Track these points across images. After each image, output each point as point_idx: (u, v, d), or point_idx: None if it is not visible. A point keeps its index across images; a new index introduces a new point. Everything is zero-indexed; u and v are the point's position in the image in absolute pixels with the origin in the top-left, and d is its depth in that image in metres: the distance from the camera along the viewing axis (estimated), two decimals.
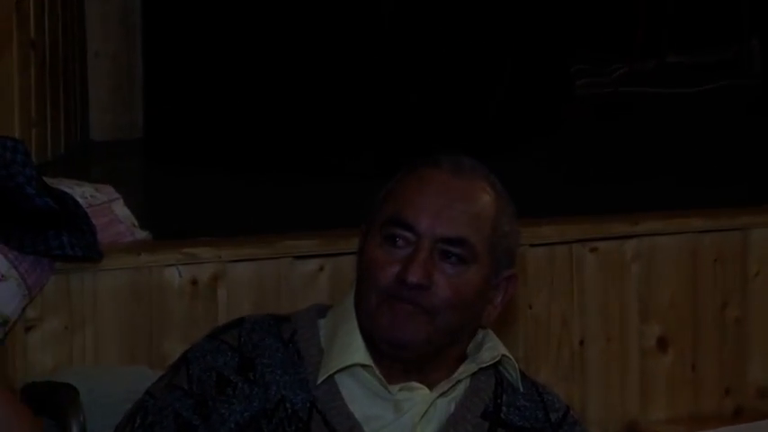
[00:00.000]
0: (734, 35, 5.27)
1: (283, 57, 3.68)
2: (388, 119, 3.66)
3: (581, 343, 2.93)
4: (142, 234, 2.77)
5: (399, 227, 1.97)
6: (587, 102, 4.68)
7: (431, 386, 1.99)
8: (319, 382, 1.97)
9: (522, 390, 2.06)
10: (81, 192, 2.71)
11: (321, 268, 2.76)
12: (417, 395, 1.98)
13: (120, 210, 2.77)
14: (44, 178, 2.62)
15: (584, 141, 4.21)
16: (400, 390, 1.98)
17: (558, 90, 4.44)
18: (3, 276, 2.47)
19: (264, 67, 3.70)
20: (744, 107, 4.68)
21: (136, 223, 2.78)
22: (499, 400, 2.04)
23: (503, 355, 2.04)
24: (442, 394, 2.00)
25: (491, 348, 2.03)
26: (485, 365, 2.02)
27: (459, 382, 2.01)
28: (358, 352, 1.97)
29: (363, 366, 1.98)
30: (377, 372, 1.97)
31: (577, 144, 4.17)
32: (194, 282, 2.68)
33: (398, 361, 1.98)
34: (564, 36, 4.50)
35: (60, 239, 2.52)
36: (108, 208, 2.75)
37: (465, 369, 2.01)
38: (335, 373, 1.97)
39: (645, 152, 4.03)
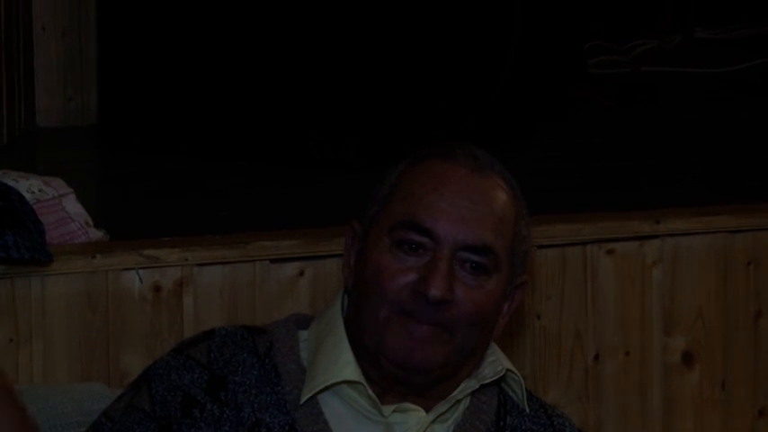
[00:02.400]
0: None
1: (257, 33, 3.68)
2: (375, 104, 3.67)
3: (596, 358, 2.94)
4: (97, 234, 2.78)
5: (414, 231, 1.94)
6: (603, 82, 4.68)
7: (428, 407, 1.99)
8: (302, 401, 1.96)
9: (528, 411, 2.06)
10: (27, 185, 2.72)
11: (301, 273, 2.76)
12: (412, 418, 1.98)
13: (72, 206, 2.78)
14: None
15: (599, 128, 4.22)
16: (394, 411, 1.97)
17: (569, 70, 4.45)
18: None
19: (234, 43, 3.70)
20: None
21: (90, 221, 2.79)
22: (502, 423, 2.04)
23: (507, 370, 2.04)
24: (440, 416, 2.00)
25: (494, 363, 2.03)
26: (486, 382, 2.02)
27: (458, 402, 2.01)
28: (346, 368, 1.96)
29: (350, 384, 1.98)
30: (369, 391, 1.97)
31: (592, 131, 4.18)
32: (157, 288, 2.69)
33: (403, 383, 1.97)
34: (576, 8, 4.51)
35: (3, 239, 2.53)
36: (58, 204, 2.76)
37: (464, 387, 2.00)
38: (320, 392, 1.97)
39: (669, 141, 4.05)
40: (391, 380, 1.97)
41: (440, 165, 1.98)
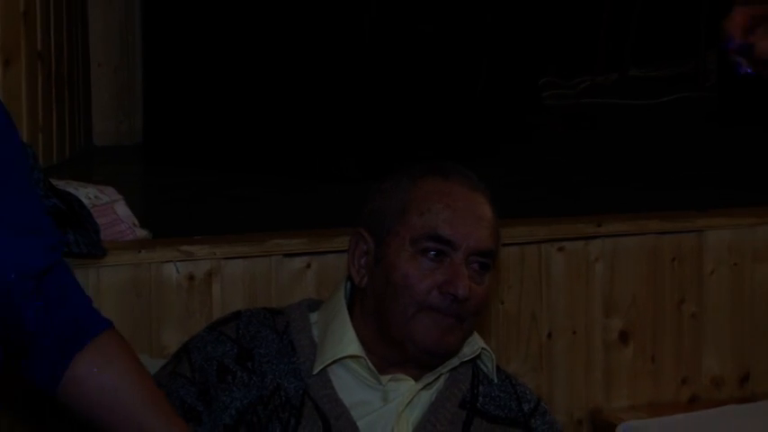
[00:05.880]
0: (691, 50, 5.28)
1: (272, 68, 3.67)
2: (368, 127, 3.66)
3: (549, 336, 2.93)
4: (142, 233, 2.77)
5: (436, 241, 1.95)
6: (554, 112, 4.68)
7: (415, 377, 1.99)
8: (314, 372, 1.96)
9: (496, 381, 2.07)
10: (85, 193, 2.70)
11: (308, 265, 2.75)
12: (404, 386, 1.99)
13: (122, 210, 2.76)
14: (51, 180, 2.61)
15: (551, 148, 4.21)
16: (389, 380, 1.98)
17: (526, 101, 4.45)
18: None
19: (255, 77, 3.70)
20: (700, 118, 4.69)
21: (136, 222, 2.77)
22: (476, 391, 2.04)
23: (482, 349, 2.04)
24: (426, 385, 2.00)
25: (471, 343, 2.03)
26: (466, 359, 2.03)
27: (441, 374, 2.02)
28: (351, 345, 1.97)
29: (353, 358, 1.98)
30: (369, 364, 1.97)
31: (545, 151, 4.17)
32: (191, 277, 2.68)
33: (417, 362, 1.97)
34: (532, 51, 4.50)
35: (66, 237, 2.52)
36: (110, 208, 2.74)
37: (448, 362, 2.01)
38: (329, 365, 1.97)
39: (608, 159, 4.04)
40: (414, 361, 1.97)
41: (442, 183, 1.99)
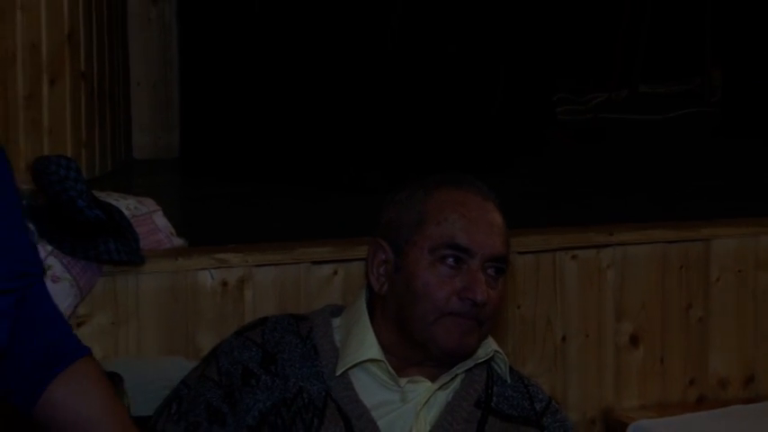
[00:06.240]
0: (697, 68, 5.26)
1: (303, 85, 3.68)
2: (393, 141, 3.66)
3: (563, 339, 2.91)
4: (179, 241, 2.77)
5: (455, 250, 1.94)
6: (568, 126, 4.66)
7: (432, 378, 1.98)
8: (337, 374, 1.95)
9: (509, 381, 2.05)
10: (126, 204, 2.71)
11: (335, 272, 2.74)
12: (421, 387, 1.97)
13: (160, 220, 2.77)
14: (93, 192, 2.61)
15: (565, 161, 4.20)
16: (407, 382, 1.97)
17: (541, 116, 4.43)
18: (57, 278, 2.47)
19: (286, 95, 3.70)
20: (706, 132, 4.67)
21: (173, 231, 2.77)
22: (490, 391, 2.03)
23: (495, 351, 2.03)
24: (442, 386, 1.99)
25: (485, 345, 2.02)
26: (480, 361, 2.01)
27: (457, 375, 2.00)
28: (371, 349, 1.96)
29: (373, 361, 1.97)
30: (389, 367, 1.96)
31: (559, 163, 4.16)
32: (224, 283, 2.68)
33: (438, 361, 1.96)
34: (547, 70, 4.49)
35: (108, 246, 2.52)
36: (149, 218, 2.75)
37: (463, 364, 1.99)
38: (350, 368, 1.96)
39: (619, 171, 4.02)
40: (433, 361, 1.96)
41: (456, 193, 1.98)
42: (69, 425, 1.68)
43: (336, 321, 2.04)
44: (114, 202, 2.65)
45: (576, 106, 4.95)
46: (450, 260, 1.94)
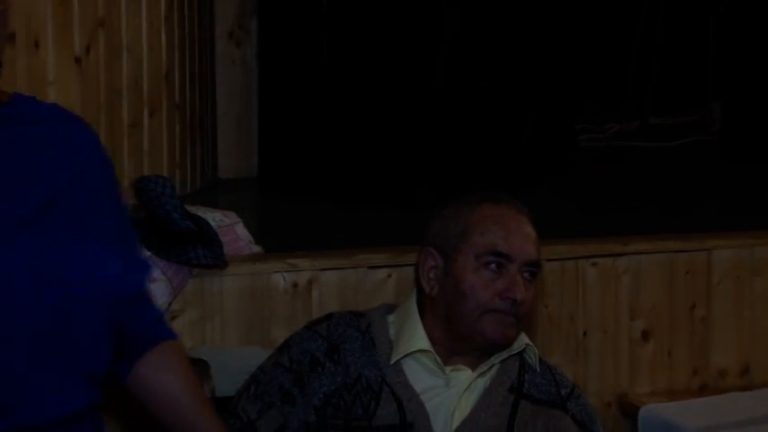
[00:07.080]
0: (699, 101, 5.22)
1: (363, 116, 3.68)
2: (439, 163, 3.65)
3: (584, 334, 2.89)
4: (257, 248, 2.77)
5: (498, 257, 1.94)
6: (587, 152, 4.64)
7: (472, 367, 1.98)
8: (391, 363, 1.95)
9: (539, 370, 2.04)
10: (212, 216, 2.71)
11: (389, 276, 2.73)
12: (463, 374, 1.97)
13: (241, 230, 2.77)
14: (185, 206, 2.62)
15: (585, 181, 4.17)
16: (451, 371, 1.97)
17: (565, 142, 4.41)
18: (155, 279, 2.48)
19: (348, 124, 3.71)
20: (707, 157, 4.63)
21: (252, 240, 2.78)
22: (522, 379, 2.02)
23: (527, 344, 2.02)
24: (481, 374, 1.98)
25: (518, 339, 2.02)
26: (513, 353, 2.01)
27: (494, 364, 2.00)
28: (421, 341, 1.96)
29: (422, 352, 1.96)
30: (436, 356, 1.95)
31: (580, 183, 4.13)
32: (295, 285, 2.67)
33: (481, 350, 1.95)
34: (570, 103, 4.46)
35: (197, 252, 2.53)
36: (232, 229, 2.75)
37: (499, 355, 1.99)
38: (402, 357, 1.96)
39: (632, 190, 3.99)
40: (477, 351, 1.96)
41: (495, 208, 1.98)
42: (153, 398, 1.68)
43: (390, 318, 2.04)
44: (203, 215, 2.66)
45: (595, 135, 4.92)
46: (493, 265, 1.94)
